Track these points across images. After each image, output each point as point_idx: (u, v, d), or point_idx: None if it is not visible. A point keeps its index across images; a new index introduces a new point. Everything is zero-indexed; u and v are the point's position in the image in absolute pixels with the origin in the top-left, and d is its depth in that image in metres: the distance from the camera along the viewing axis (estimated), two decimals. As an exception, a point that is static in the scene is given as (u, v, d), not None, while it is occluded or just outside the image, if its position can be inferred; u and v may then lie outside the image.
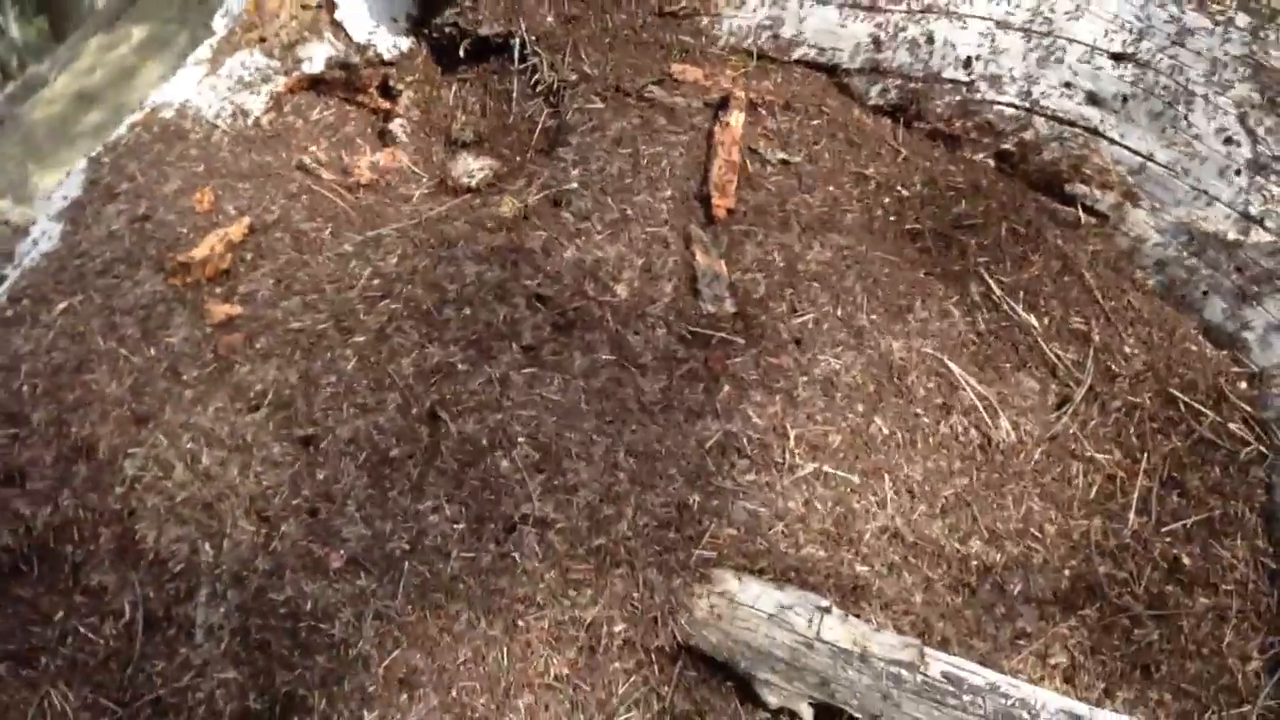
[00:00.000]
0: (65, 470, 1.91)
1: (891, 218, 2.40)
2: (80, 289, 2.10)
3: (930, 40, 2.48)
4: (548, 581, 1.84)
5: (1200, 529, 2.07)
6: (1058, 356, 2.24)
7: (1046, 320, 2.27)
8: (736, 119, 2.39)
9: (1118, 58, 2.39)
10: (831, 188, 2.40)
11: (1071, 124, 2.44)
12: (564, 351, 2.05)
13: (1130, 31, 2.38)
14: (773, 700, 1.82)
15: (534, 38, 2.52)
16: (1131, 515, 2.09)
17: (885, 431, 2.07)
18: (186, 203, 2.25)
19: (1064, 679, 1.96)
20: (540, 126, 2.53)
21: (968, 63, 2.47)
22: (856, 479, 2.01)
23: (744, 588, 1.86)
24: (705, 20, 2.55)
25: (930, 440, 2.10)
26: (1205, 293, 2.32)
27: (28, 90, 5.85)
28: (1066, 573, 2.04)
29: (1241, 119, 2.28)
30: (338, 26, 2.63)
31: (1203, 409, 2.17)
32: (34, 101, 5.75)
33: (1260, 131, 2.27)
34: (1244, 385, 2.21)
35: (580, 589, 1.84)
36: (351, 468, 1.92)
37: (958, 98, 2.49)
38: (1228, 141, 2.29)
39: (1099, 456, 2.15)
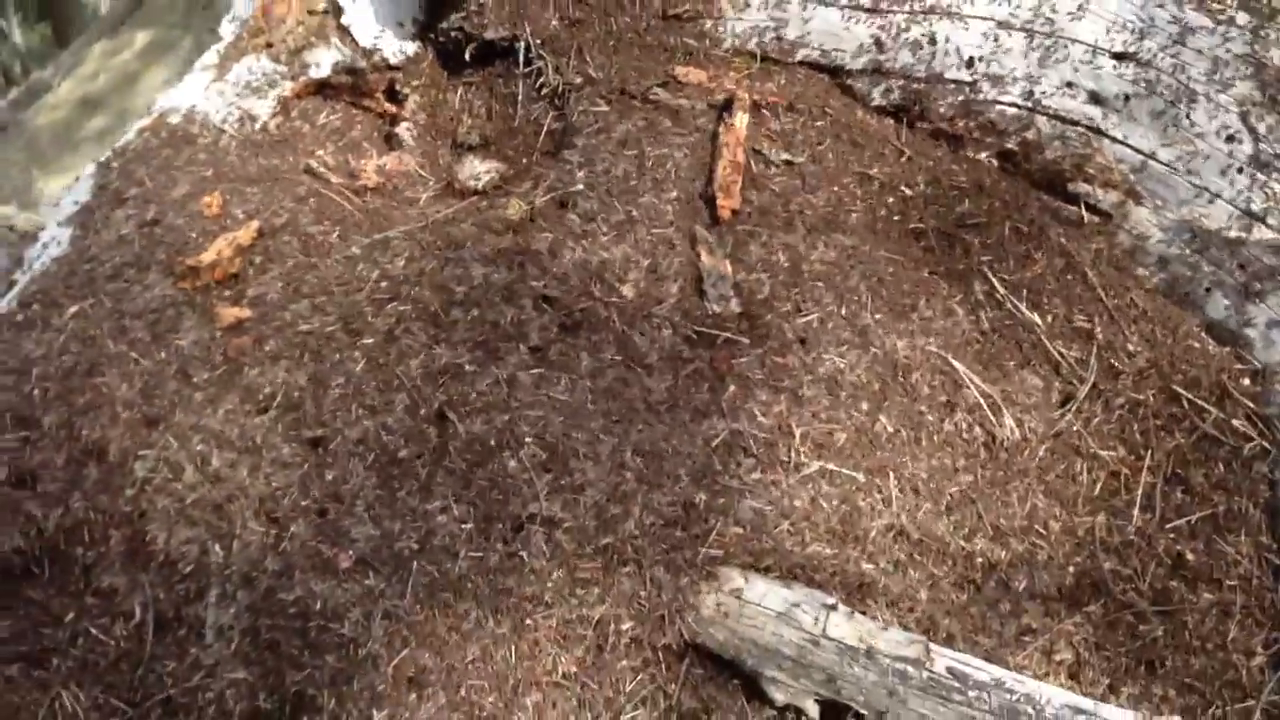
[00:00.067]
0: (76, 473, 1.92)
1: (895, 217, 2.41)
2: (90, 293, 2.11)
3: (932, 41, 2.49)
4: (555, 580, 1.85)
5: (1204, 525, 2.08)
6: (1061, 354, 2.25)
7: (1050, 318, 2.28)
8: (741, 120, 2.40)
9: (1119, 57, 2.40)
10: (835, 188, 2.41)
11: (1074, 123, 2.45)
12: (571, 352, 2.06)
13: (1132, 31, 2.39)
14: (779, 697, 1.83)
15: (539, 41, 2.53)
16: (1135, 512, 2.10)
17: (890, 430, 2.08)
18: (195, 207, 2.26)
19: (1069, 675, 1.96)
20: (546, 129, 2.54)
21: (970, 63, 2.48)
22: (862, 477, 2.02)
23: (750, 586, 1.87)
24: (709, 23, 2.56)
25: (935, 438, 2.10)
26: (1208, 290, 2.33)
27: (31, 96, 5.87)
28: (1071, 569, 2.05)
29: (1243, 117, 2.29)
30: (344, 32, 2.64)
31: (1206, 405, 2.18)
32: (38, 107, 5.77)
33: (1261, 129, 2.27)
34: (1247, 382, 2.22)
35: (588, 588, 1.85)
36: (360, 468, 1.93)
37: (960, 98, 2.50)
38: (1229, 139, 2.30)
39: (1103, 453, 2.16)
